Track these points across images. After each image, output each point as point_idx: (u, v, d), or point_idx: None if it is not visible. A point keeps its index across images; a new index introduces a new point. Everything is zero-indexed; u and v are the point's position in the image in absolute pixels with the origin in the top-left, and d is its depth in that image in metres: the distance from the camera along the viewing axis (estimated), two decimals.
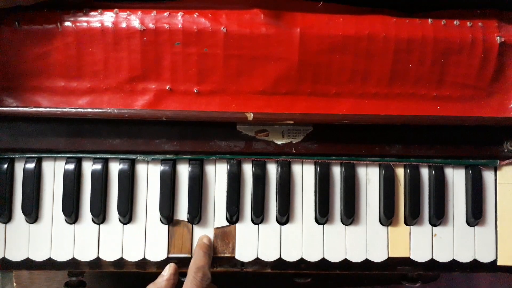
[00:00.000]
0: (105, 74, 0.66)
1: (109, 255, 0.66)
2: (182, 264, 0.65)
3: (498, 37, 0.67)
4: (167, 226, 0.67)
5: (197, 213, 0.66)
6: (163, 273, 0.63)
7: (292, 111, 0.67)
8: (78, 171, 0.66)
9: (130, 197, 0.66)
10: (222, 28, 0.64)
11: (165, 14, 0.65)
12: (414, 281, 0.74)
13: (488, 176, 0.69)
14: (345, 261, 0.67)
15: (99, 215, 0.65)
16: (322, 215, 0.67)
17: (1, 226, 0.65)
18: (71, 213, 0.65)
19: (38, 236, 0.66)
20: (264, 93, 0.68)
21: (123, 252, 0.66)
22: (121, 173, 0.66)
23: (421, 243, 0.68)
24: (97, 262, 0.66)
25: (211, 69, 0.66)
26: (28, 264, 0.66)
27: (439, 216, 0.68)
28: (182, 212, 0.67)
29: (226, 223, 0.67)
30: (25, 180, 0.65)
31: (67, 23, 0.64)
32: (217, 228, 0.67)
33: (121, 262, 0.66)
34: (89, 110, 0.64)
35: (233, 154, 0.67)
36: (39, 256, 0.65)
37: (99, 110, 0.64)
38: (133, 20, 0.64)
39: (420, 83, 0.68)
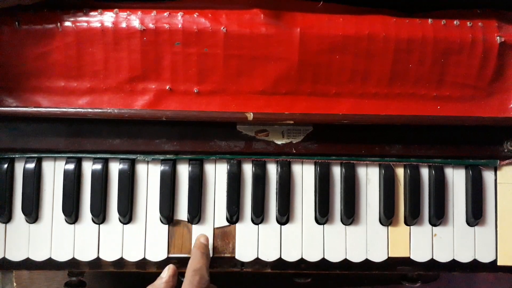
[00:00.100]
0: (105, 74, 0.66)
1: (109, 255, 0.66)
2: (182, 264, 0.65)
3: (498, 37, 0.67)
4: (167, 226, 0.67)
5: (197, 213, 0.66)
6: (161, 275, 0.62)
7: (292, 111, 0.67)
8: (78, 171, 0.66)
9: (130, 197, 0.66)
10: (222, 28, 0.64)
11: (165, 14, 0.65)
12: (414, 281, 0.74)
13: (488, 176, 0.69)
14: (345, 261, 0.67)
15: (99, 215, 0.65)
16: (322, 215, 0.67)
17: (1, 226, 0.65)
18: (71, 213, 0.65)
19: (38, 236, 0.66)
20: (264, 93, 0.68)
21: (123, 252, 0.66)
22: (121, 173, 0.66)
23: (421, 243, 0.68)
24: (97, 262, 0.66)
25: (211, 69, 0.66)
26: (28, 264, 0.66)
27: (439, 216, 0.68)
28: (182, 212, 0.67)
29: (226, 223, 0.67)
30: (25, 180, 0.65)
31: (67, 23, 0.64)
32: (217, 228, 0.67)
33: (121, 262, 0.66)
34: (89, 110, 0.64)
35: (233, 154, 0.67)
36: (39, 256, 0.65)
37: (99, 110, 0.64)
38: (133, 20, 0.64)
39: (420, 83, 0.68)
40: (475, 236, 0.69)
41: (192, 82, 0.67)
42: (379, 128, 0.67)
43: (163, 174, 0.66)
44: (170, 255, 0.66)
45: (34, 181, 0.65)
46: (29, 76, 0.65)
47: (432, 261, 0.68)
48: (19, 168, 0.66)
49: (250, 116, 0.64)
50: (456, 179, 0.69)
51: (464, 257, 0.68)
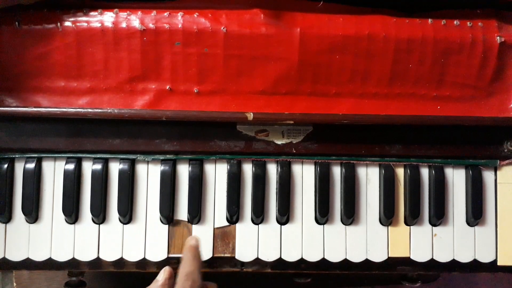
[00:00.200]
0: (105, 74, 0.66)
1: (109, 255, 0.66)
2: None
3: (498, 37, 0.67)
4: (167, 226, 0.67)
5: (197, 213, 0.66)
6: (157, 277, 0.59)
7: (292, 111, 0.67)
8: (78, 171, 0.66)
9: (130, 197, 0.66)
10: (222, 28, 0.64)
11: (165, 14, 0.65)
12: (414, 281, 0.74)
13: (488, 176, 0.69)
14: (345, 261, 0.67)
15: (99, 215, 0.65)
16: (322, 215, 0.67)
17: (1, 226, 0.65)
18: (71, 213, 0.65)
19: (38, 236, 0.66)
20: (264, 93, 0.68)
21: (123, 252, 0.66)
22: (121, 173, 0.66)
23: (421, 243, 0.68)
24: (97, 262, 0.66)
25: (211, 69, 0.66)
26: (28, 264, 0.66)
27: (439, 216, 0.68)
28: (182, 212, 0.67)
29: (226, 223, 0.67)
30: (25, 180, 0.65)
31: (67, 23, 0.64)
32: (217, 228, 0.67)
33: (121, 262, 0.66)
34: (89, 110, 0.64)
35: (233, 154, 0.67)
36: (39, 256, 0.65)
37: (99, 110, 0.64)
38: (133, 20, 0.64)
39: (420, 83, 0.68)
40: (475, 236, 0.69)
41: (192, 82, 0.67)
42: (379, 128, 0.67)
43: (163, 174, 0.66)
44: (170, 255, 0.66)
45: (34, 181, 0.65)
46: (29, 76, 0.65)
47: (432, 261, 0.68)
48: (19, 168, 0.66)
49: (250, 116, 0.64)
50: (456, 179, 0.69)
51: (464, 257, 0.68)
